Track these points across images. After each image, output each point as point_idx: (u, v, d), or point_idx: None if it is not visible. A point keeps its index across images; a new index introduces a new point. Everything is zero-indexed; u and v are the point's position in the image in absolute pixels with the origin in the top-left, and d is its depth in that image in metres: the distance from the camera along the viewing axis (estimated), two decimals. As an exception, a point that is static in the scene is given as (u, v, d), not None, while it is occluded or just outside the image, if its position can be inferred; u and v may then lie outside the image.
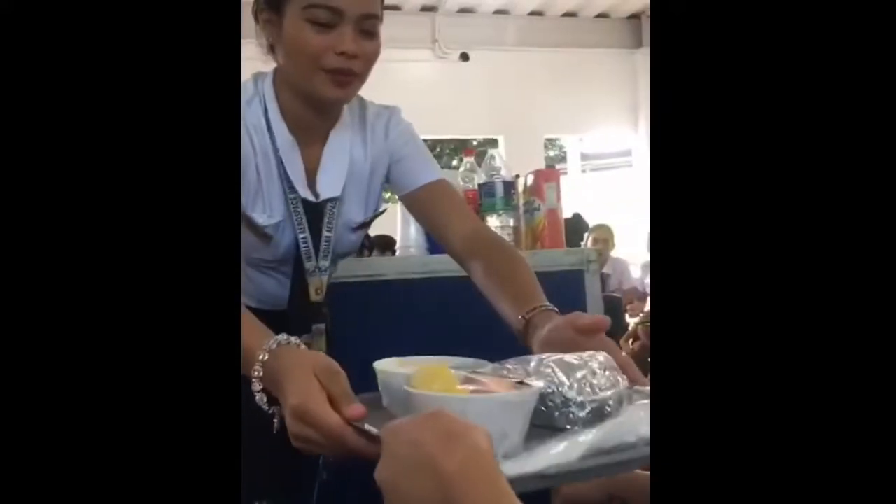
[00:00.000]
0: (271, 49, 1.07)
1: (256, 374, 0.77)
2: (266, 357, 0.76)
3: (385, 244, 3.13)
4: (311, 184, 1.09)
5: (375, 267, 1.49)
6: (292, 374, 0.73)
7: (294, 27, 0.99)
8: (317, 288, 1.13)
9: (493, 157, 1.66)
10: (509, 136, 6.24)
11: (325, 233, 1.11)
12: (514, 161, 1.76)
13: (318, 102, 1.05)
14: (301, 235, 1.09)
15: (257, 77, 1.11)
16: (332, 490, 0.99)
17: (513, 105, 6.23)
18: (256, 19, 1.06)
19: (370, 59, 1.02)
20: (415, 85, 5.95)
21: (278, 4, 1.01)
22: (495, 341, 1.50)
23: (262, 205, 1.06)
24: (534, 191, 1.68)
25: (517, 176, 1.70)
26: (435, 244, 1.55)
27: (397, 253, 1.62)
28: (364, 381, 1.41)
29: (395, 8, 5.93)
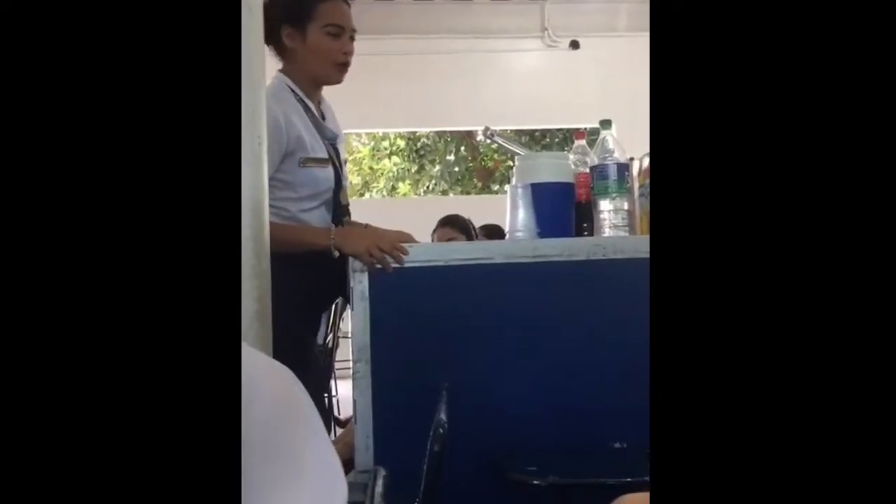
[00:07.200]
0: (282, 53, 1.70)
1: (332, 239, 1.50)
2: (334, 230, 1.55)
3: (493, 233, 3.16)
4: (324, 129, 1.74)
5: (485, 250, 1.50)
6: (358, 228, 1.65)
7: (316, 38, 1.67)
8: (345, 194, 1.79)
9: (606, 139, 1.63)
10: (622, 124, 6.10)
11: (340, 160, 1.78)
12: (627, 150, 1.72)
13: (326, 83, 1.74)
14: (336, 164, 1.72)
15: (274, 79, 1.68)
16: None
17: (625, 93, 6.09)
18: (273, 33, 1.62)
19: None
20: (524, 74, 5.92)
21: (302, 23, 1.66)
22: (602, 325, 1.50)
23: (316, 147, 1.66)
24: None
25: (632, 158, 1.65)
26: (545, 228, 1.57)
27: (506, 238, 1.63)
28: (475, 362, 1.44)
29: (505, -3, 5.93)
